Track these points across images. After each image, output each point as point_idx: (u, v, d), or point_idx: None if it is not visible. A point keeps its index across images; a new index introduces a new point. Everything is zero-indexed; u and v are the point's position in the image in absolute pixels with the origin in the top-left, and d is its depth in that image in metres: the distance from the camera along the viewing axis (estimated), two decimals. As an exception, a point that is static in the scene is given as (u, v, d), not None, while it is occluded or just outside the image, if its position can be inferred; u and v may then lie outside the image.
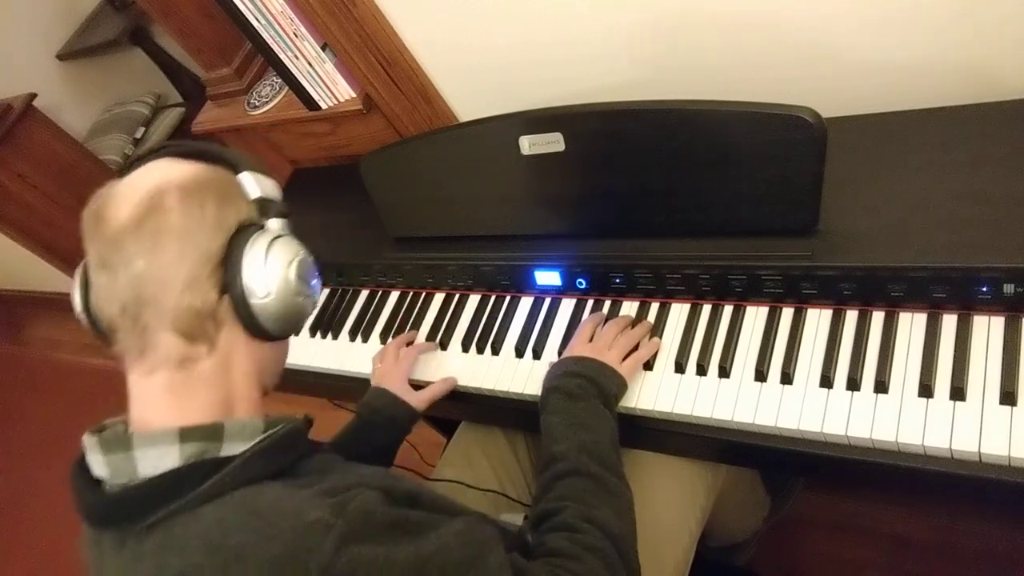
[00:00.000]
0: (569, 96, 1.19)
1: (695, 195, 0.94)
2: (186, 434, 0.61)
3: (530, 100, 1.07)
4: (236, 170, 0.69)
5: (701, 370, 0.92)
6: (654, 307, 1.02)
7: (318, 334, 1.29)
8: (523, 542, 0.77)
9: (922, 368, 0.80)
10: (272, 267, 0.66)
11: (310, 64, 1.34)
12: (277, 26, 1.29)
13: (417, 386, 1.09)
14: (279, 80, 1.48)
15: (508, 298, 1.14)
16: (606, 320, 1.00)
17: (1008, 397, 0.74)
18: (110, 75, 3.19)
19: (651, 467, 1.01)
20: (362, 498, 0.59)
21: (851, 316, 0.88)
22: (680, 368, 0.94)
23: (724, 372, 0.90)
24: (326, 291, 1.34)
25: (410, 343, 1.14)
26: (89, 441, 0.62)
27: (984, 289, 0.79)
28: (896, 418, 0.78)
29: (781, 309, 0.93)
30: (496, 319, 1.12)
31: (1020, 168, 0.85)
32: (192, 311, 0.62)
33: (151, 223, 0.61)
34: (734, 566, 1.44)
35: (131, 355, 0.64)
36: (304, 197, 1.56)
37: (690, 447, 0.95)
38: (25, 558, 2.42)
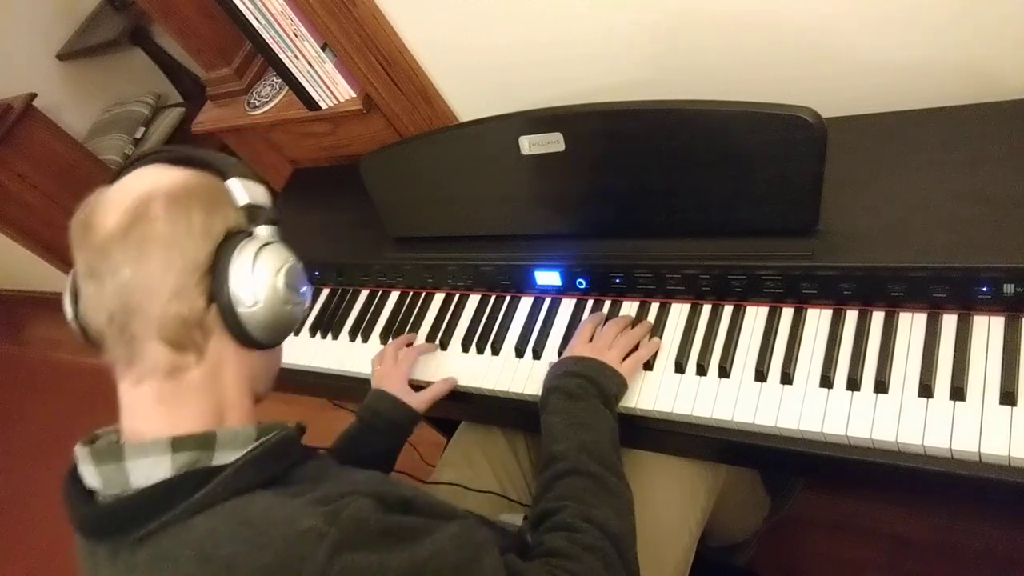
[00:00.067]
0: (569, 96, 1.19)
1: (695, 195, 0.94)
2: (178, 444, 0.60)
3: (530, 100, 1.07)
4: (224, 176, 0.68)
5: (701, 370, 0.92)
6: (654, 307, 1.02)
7: (318, 334, 1.29)
8: (523, 542, 0.77)
9: (922, 368, 0.80)
10: (260, 275, 0.65)
11: (310, 64, 1.34)
12: (277, 26, 1.29)
13: (417, 387, 1.09)
14: (279, 80, 1.48)
15: (508, 298, 1.14)
16: (606, 320, 1.00)
17: (1008, 397, 0.74)
18: (110, 75, 3.19)
19: (651, 467, 1.01)
20: (355, 506, 0.59)
21: (851, 316, 0.88)
22: (680, 368, 0.94)
23: (724, 372, 0.90)
24: (326, 291, 1.34)
25: (409, 345, 1.14)
26: (81, 452, 0.62)
27: (984, 289, 0.79)
28: (896, 418, 0.78)
29: (781, 309, 0.93)
30: (496, 319, 1.12)
31: (1020, 168, 0.85)
32: (179, 320, 0.62)
33: (137, 232, 0.61)
34: (734, 566, 1.44)
35: (120, 364, 0.64)
36: (304, 197, 1.56)
37: (690, 447, 0.95)
38: (25, 558, 2.42)
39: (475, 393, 1.07)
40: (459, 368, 1.09)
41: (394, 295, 1.26)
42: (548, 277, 1.08)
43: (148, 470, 0.60)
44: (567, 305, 1.08)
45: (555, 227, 1.08)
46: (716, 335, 0.94)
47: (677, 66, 1.11)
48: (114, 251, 0.61)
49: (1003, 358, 0.77)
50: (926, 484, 0.79)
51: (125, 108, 3.02)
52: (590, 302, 1.07)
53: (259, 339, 0.67)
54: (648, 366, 0.95)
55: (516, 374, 1.05)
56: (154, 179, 0.64)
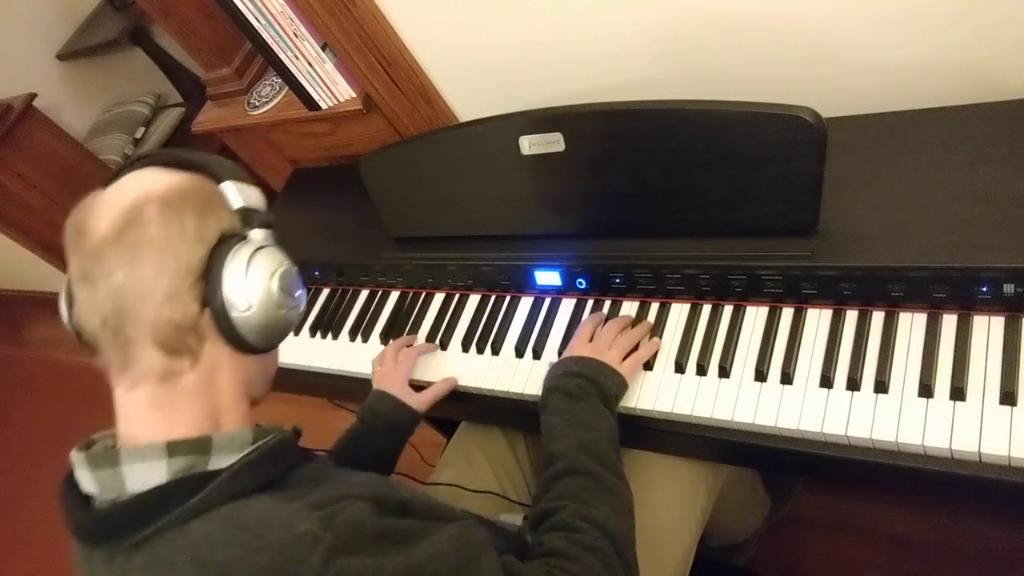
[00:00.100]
0: (569, 96, 1.19)
1: (695, 195, 0.94)
2: (173, 448, 0.60)
3: (530, 100, 1.07)
4: (219, 179, 0.68)
5: (701, 370, 0.92)
6: (654, 307, 1.02)
7: (318, 334, 1.29)
8: (522, 542, 0.77)
9: (922, 368, 0.80)
10: (253, 279, 0.64)
11: (310, 64, 1.34)
12: (277, 26, 1.29)
13: (417, 387, 1.09)
14: (279, 80, 1.48)
15: (508, 298, 1.14)
16: (606, 320, 1.00)
17: (1008, 397, 0.74)
18: (110, 75, 3.19)
19: (651, 467, 1.01)
20: (351, 510, 0.59)
21: (851, 316, 0.88)
22: (680, 368, 0.94)
23: (724, 372, 0.90)
24: (326, 291, 1.34)
25: (409, 346, 1.14)
26: (77, 457, 0.62)
27: (984, 289, 0.79)
28: (896, 418, 0.78)
29: (781, 309, 0.93)
30: (496, 319, 1.12)
31: (1020, 168, 0.85)
32: (172, 324, 0.61)
33: (130, 236, 0.61)
34: (734, 566, 1.44)
35: (115, 368, 0.63)
36: (304, 197, 1.56)
37: (690, 447, 0.95)
38: (25, 558, 2.42)
39: (475, 393, 1.07)
40: (459, 368, 1.09)
41: (394, 295, 1.26)
42: (548, 277, 1.08)
43: (144, 475, 0.59)
44: (567, 305, 1.08)
45: (555, 227, 1.08)
46: (716, 335, 0.94)
47: (677, 66, 1.11)
48: (107, 255, 0.60)
49: (1003, 358, 0.77)
50: (926, 484, 0.79)
51: (125, 108, 3.02)
52: (590, 302, 1.07)
53: (253, 343, 0.66)
54: (648, 366, 0.95)
55: (516, 374, 1.05)
56: (148, 183, 0.64)
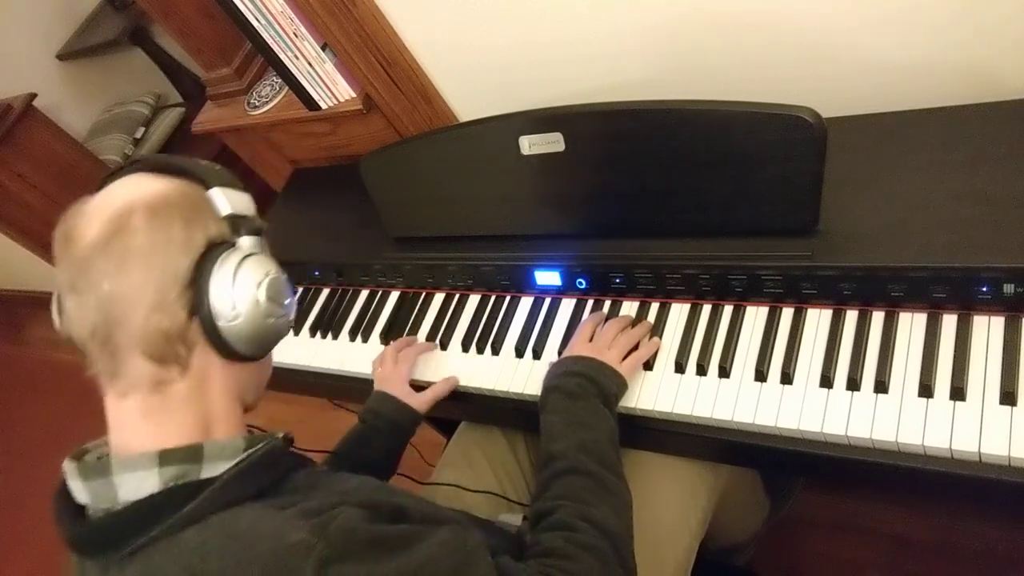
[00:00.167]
0: (569, 96, 1.19)
1: (695, 195, 0.94)
2: (165, 457, 0.60)
3: (530, 100, 1.07)
4: (207, 186, 0.67)
5: (701, 370, 0.92)
6: (654, 307, 1.02)
7: (318, 334, 1.29)
8: (522, 542, 0.77)
9: (922, 368, 0.80)
10: (240, 288, 0.63)
11: (310, 64, 1.34)
12: (277, 26, 1.29)
13: (418, 387, 1.09)
14: (279, 80, 1.48)
15: (508, 298, 1.14)
16: (606, 320, 1.00)
17: (1008, 397, 0.74)
18: (110, 75, 3.19)
19: (651, 467, 1.01)
20: (344, 516, 0.58)
21: (851, 316, 0.88)
22: (680, 368, 0.94)
23: (724, 372, 0.90)
24: (326, 291, 1.34)
25: (408, 346, 1.14)
26: (69, 467, 0.61)
27: (984, 289, 0.79)
28: (896, 418, 0.78)
29: (781, 309, 0.93)
30: (496, 319, 1.12)
31: (1020, 168, 0.85)
32: (160, 333, 0.61)
33: (117, 244, 0.60)
34: (734, 566, 1.44)
35: (105, 377, 0.63)
36: (304, 197, 1.56)
37: (690, 447, 0.95)
38: (25, 558, 2.42)
39: (475, 393, 1.07)
40: (459, 368, 1.09)
41: (394, 295, 1.26)
42: (548, 277, 1.08)
43: (136, 484, 0.59)
44: (567, 305, 1.08)
45: (555, 227, 1.08)
46: (716, 335, 0.94)
47: (677, 66, 1.11)
48: (94, 264, 0.60)
49: (1003, 358, 0.77)
50: (926, 484, 0.79)
51: (125, 108, 3.02)
52: (590, 302, 1.07)
53: (242, 352, 0.65)
54: (648, 366, 0.95)
55: (516, 374, 1.05)
56: (135, 190, 0.63)
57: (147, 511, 0.58)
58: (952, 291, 0.81)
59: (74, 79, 3.10)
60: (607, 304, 1.05)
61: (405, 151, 1.14)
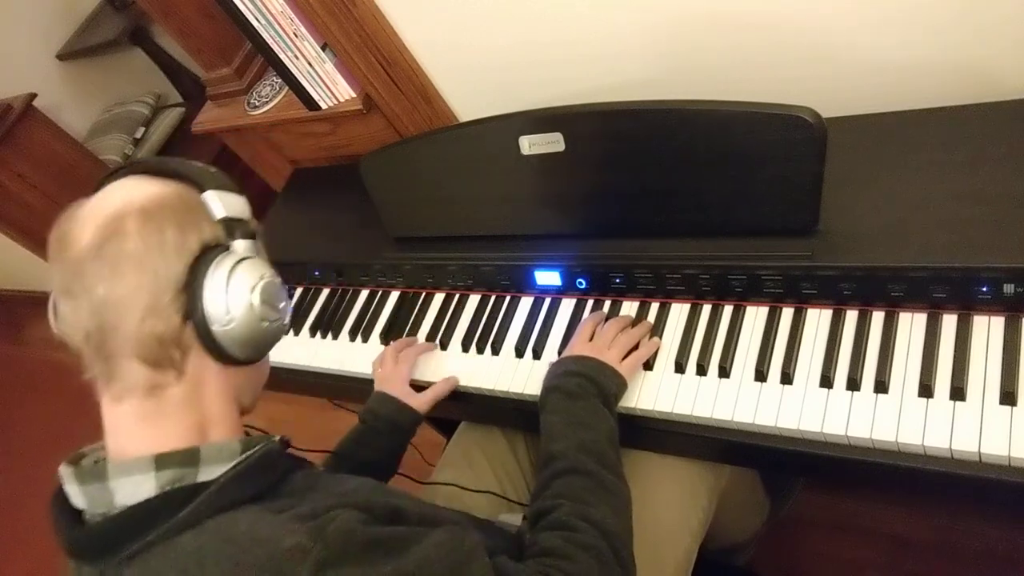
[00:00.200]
0: (569, 96, 1.19)
1: (695, 195, 0.94)
2: (161, 461, 0.60)
3: (530, 100, 1.07)
4: (201, 189, 0.66)
5: (701, 370, 0.92)
6: (654, 307, 1.02)
7: (318, 334, 1.29)
8: (522, 542, 0.77)
9: (922, 368, 0.80)
10: (234, 292, 0.63)
11: (310, 64, 1.34)
12: (277, 26, 1.29)
13: (418, 387, 1.09)
14: (279, 80, 1.48)
15: (508, 298, 1.14)
16: (606, 319, 1.00)
17: (1008, 397, 0.74)
18: (110, 75, 3.19)
19: (651, 467, 1.01)
20: (341, 519, 0.58)
21: (851, 316, 0.88)
22: (680, 368, 0.94)
23: (724, 372, 0.90)
24: (326, 291, 1.34)
25: (408, 347, 1.14)
26: (65, 472, 0.61)
27: (984, 289, 0.79)
28: (896, 418, 0.78)
29: (781, 309, 0.93)
30: (496, 319, 1.12)
31: (1020, 168, 0.85)
32: (155, 338, 0.60)
33: (110, 249, 0.60)
34: (734, 566, 1.44)
35: (100, 382, 0.63)
36: (304, 197, 1.56)
37: (690, 447, 0.95)
38: (25, 558, 2.42)
39: (475, 393, 1.07)
40: (459, 368, 1.09)
41: (394, 295, 1.26)
42: (548, 277, 1.08)
43: (132, 489, 0.59)
44: (567, 305, 1.08)
45: (555, 227, 1.08)
46: (716, 335, 0.94)
47: (677, 66, 1.11)
48: (88, 269, 0.60)
49: (1003, 358, 0.77)
50: (926, 484, 0.79)
51: (125, 108, 3.02)
52: (590, 302, 1.07)
53: (237, 356, 0.65)
54: (648, 366, 0.95)
55: (516, 374, 1.05)
56: (129, 193, 0.63)
57: (144, 515, 0.58)
58: (952, 291, 0.81)
59: (74, 79, 3.10)
60: (607, 304, 1.05)
61: (405, 151, 1.14)
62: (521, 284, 1.12)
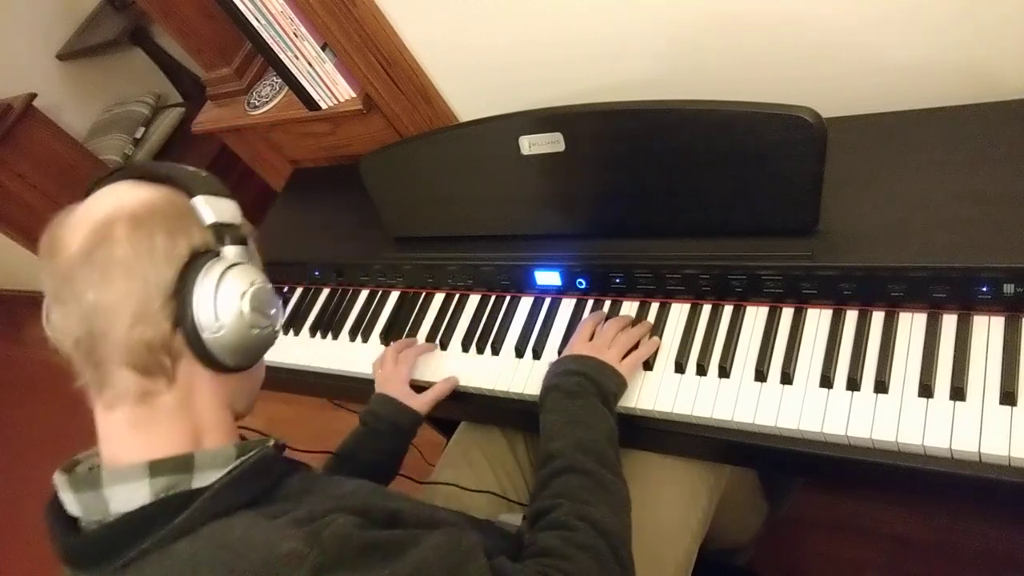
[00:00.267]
0: (569, 96, 1.19)
1: (695, 195, 0.94)
2: (155, 468, 0.59)
3: (530, 100, 1.07)
4: (191, 194, 0.65)
5: (701, 370, 0.92)
6: (654, 307, 1.02)
7: (318, 334, 1.29)
8: (521, 542, 0.77)
9: (922, 368, 0.80)
10: (223, 299, 0.62)
11: (310, 64, 1.34)
12: (277, 26, 1.29)
13: (418, 387, 1.09)
14: (279, 80, 1.48)
15: (508, 298, 1.14)
16: (606, 319, 1.00)
17: (1008, 397, 0.74)
18: (110, 75, 3.19)
19: (651, 467, 1.01)
20: (337, 524, 0.58)
21: (851, 316, 0.88)
22: (680, 368, 0.94)
23: (724, 372, 0.90)
24: (326, 291, 1.34)
25: (408, 348, 1.14)
26: (59, 480, 0.61)
27: (984, 289, 0.79)
28: (896, 418, 0.78)
29: (781, 309, 0.93)
30: (496, 319, 1.12)
31: (1020, 168, 0.85)
32: (144, 345, 0.60)
33: (99, 255, 0.59)
34: (734, 566, 1.44)
35: (92, 389, 0.62)
36: (304, 197, 1.56)
37: (690, 447, 0.95)
38: (25, 558, 2.42)
39: (475, 393, 1.07)
40: (459, 368, 1.09)
41: (394, 295, 1.26)
42: (548, 277, 1.08)
43: (127, 496, 0.59)
44: (567, 305, 1.08)
45: (555, 227, 1.08)
46: (716, 335, 0.94)
47: (677, 66, 1.11)
48: (77, 276, 0.59)
49: (1003, 358, 0.77)
50: (926, 484, 0.79)
51: (125, 108, 3.02)
52: (590, 302, 1.07)
53: (228, 363, 0.64)
54: (648, 366, 0.95)
55: (516, 374, 1.05)
56: (119, 199, 0.63)
57: (139, 523, 0.58)
58: (952, 291, 0.81)
59: (74, 79, 3.10)
60: (607, 304, 1.05)
61: (405, 151, 1.14)
62: (521, 284, 1.12)
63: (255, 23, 1.28)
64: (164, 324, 0.61)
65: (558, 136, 0.97)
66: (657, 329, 0.99)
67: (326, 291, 1.34)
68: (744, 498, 1.32)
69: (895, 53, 0.98)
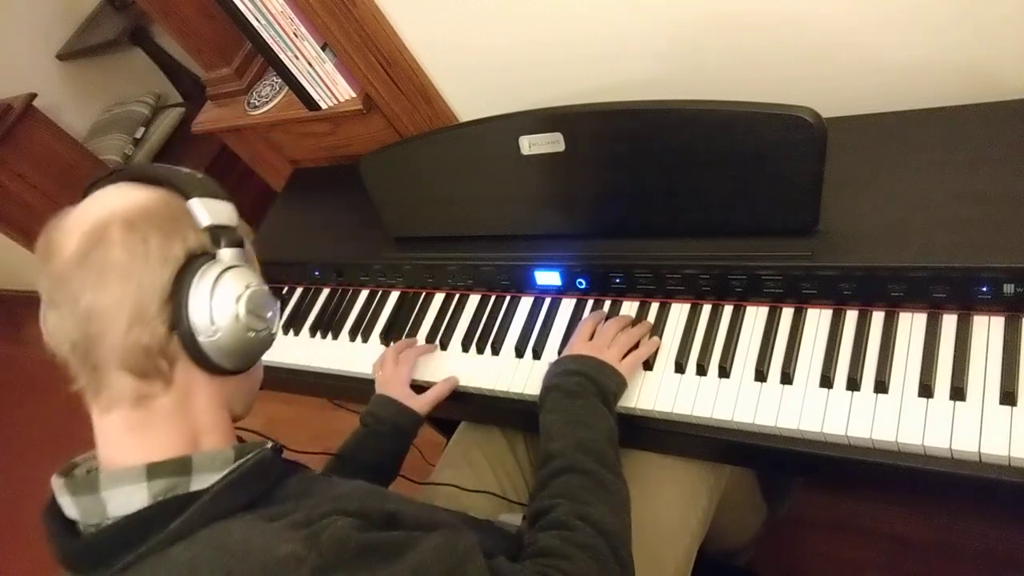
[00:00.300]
0: (569, 96, 1.19)
1: (695, 195, 0.94)
2: (153, 471, 0.59)
3: (530, 100, 1.07)
4: (187, 196, 0.64)
5: (701, 370, 0.92)
6: (654, 307, 1.01)
7: (318, 334, 1.29)
8: (522, 542, 0.77)
9: (922, 368, 0.80)
10: (219, 302, 0.62)
11: (310, 64, 1.34)
12: (277, 26, 1.29)
13: (418, 387, 1.09)
14: (279, 80, 1.48)
15: (508, 298, 1.14)
16: (606, 319, 1.00)
17: (1008, 397, 0.74)
18: (110, 75, 3.19)
19: (651, 467, 1.01)
20: (336, 526, 0.58)
21: (851, 316, 0.88)
22: (680, 368, 0.94)
23: (724, 372, 0.90)
24: (326, 291, 1.34)
25: (408, 348, 1.14)
26: (57, 483, 0.61)
27: (984, 289, 0.79)
28: (896, 418, 0.78)
29: (781, 309, 0.93)
30: (496, 319, 1.12)
31: (1020, 168, 0.85)
32: (140, 348, 0.60)
33: (95, 258, 0.59)
34: (734, 566, 1.44)
35: (88, 392, 0.62)
36: (304, 197, 1.56)
37: (690, 447, 0.95)
38: (25, 558, 2.42)
39: (475, 393, 1.07)
40: (459, 368, 1.09)
41: (394, 295, 1.26)
42: (548, 277, 1.08)
43: (125, 499, 0.58)
44: (567, 305, 1.08)
45: (555, 227, 1.08)
46: (716, 335, 0.94)
47: (677, 66, 1.11)
48: (73, 278, 0.59)
49: (1003, 358, 0.77)
50: (926, 484, 0.79)
51: (125, 108, 3.02)
52: (590, 302, 1.07)
53: (224, 366, 0.64)
54: (648, 366, 0.95)
55: (516, 374, 1.05)
56: (114, 201, 0.62)
57: (137, 526, 0.58)
58: (952, 291, 0.81)
59: (74, 79, 3.10)
60: (607, 304, 1.05)
61: (405, 151, 1.14)
62: (521, 284, 1.12)
63: (255, 23, 1.28)
64: (160, 327, 0.60)
65: (558, 136, 0.97)
66: (657, 329, 0.99)
67: (326, 291, 1.34)
68: (744, 498, 1.32)
69: (895, 53, 0.98)
